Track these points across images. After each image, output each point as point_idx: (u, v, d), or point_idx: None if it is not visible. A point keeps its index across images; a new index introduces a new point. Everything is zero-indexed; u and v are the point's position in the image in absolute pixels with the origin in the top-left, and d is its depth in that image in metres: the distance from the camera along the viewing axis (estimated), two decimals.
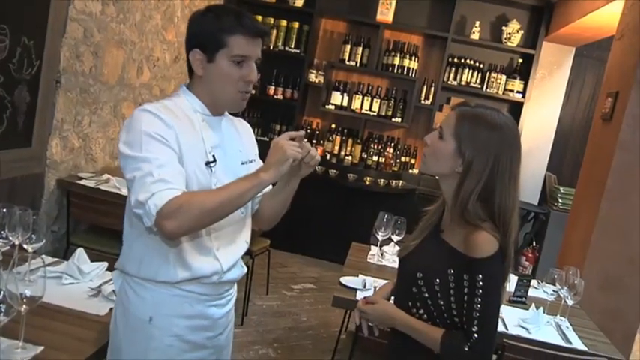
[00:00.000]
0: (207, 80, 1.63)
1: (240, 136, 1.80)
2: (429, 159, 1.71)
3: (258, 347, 3.80)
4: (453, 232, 1.67)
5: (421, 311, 1.68)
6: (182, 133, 1.57)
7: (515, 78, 5.82)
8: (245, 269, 1.82)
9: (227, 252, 1.70)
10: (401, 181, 5.83)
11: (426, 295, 1.65)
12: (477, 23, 5.80)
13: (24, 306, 1.50)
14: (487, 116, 1.65)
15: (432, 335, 1.65)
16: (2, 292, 1.46)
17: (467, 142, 1.63)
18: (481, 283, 1.58)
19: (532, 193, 6.13)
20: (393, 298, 1.85)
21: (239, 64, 1.60)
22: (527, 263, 5.70)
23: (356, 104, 5.93)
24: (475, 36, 5.82)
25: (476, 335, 1.59)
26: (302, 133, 1.60)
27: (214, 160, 1.64)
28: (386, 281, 2.08)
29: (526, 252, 5.83)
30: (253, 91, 6.32)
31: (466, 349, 1.59)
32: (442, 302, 1.64)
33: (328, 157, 5.94)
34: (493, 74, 5.86)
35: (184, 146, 1.56)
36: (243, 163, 1.74)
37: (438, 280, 1.63)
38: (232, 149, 1.73)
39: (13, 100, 2.97)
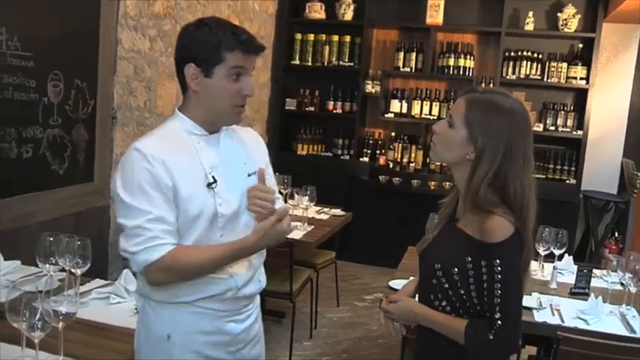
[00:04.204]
0: (203, 95, 1.61)
1: (246, 145, 1.76)
2: (440, 147, 1.70)
3: (327, 359, 3.82)
4: (467, 220, 1.65)
5: (444, 303, 1.66)
6: (176, 162, 1.58)
7: (577, 65, 5.57)
8: (263, 283, 1.80)
9: (242, 268, 1.69)
10: None
11: (446, 286, 1.63)
12: (530, 13, 5.62)
13: (61, 323, 1.62)
14: (497, 101, 1.63)
15: (455, 327, 1.62)
16: (39, 311, 1.58)
17: (478, 128, 1.61)
18: (499, 268, 1.55)
19: (609, 182, 5.83)
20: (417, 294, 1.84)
21: (236, 78, 1.59)
22: (610, 256, 5.41)
23: (415, 110, 5.90)
24: (529, 27, 5.64)
25: (499, 322, 1.56)
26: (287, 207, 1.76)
27: (215, 181, 1.63)
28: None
29: (609, 244, 5.55)
30: (312, 109, 6.23)
31: (491, 337, 1.56)
32: (462, 292, 1.61)
33: (391, 165, 5.92)
34: (553, 63, 5.64)
35: (180, 174, 1.58)
36: (249, 175, 1.70)
37: (456, 269, 1.61)
38: (235, 163, 1.70)
39: (71, 139, 3.20)
